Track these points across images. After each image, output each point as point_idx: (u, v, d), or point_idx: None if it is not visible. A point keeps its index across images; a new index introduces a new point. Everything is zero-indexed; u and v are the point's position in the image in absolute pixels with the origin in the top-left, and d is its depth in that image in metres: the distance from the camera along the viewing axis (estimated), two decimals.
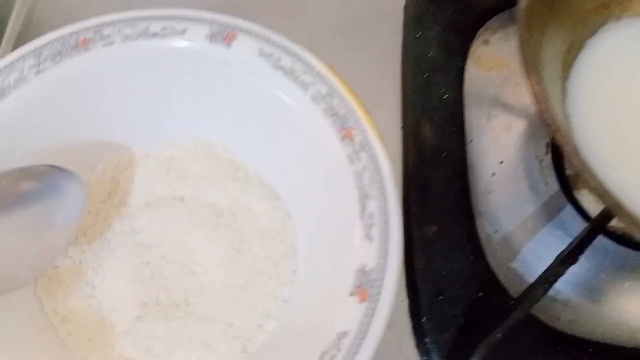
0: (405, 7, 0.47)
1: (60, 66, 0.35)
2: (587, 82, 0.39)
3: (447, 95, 0.43)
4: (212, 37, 0.36)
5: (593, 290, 0.40)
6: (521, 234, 0.42)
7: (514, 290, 0.39)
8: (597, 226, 0.35)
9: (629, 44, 0.40)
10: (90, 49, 0.36)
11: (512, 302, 0.36)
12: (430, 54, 0.44)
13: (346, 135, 0.34)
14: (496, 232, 0.41)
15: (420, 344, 0.37)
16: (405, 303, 0.38)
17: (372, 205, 0.33)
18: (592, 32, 0.40)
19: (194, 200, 0.38)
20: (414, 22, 0.46)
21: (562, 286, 0.40)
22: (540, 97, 0.30)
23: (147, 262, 0.36)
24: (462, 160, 0.41)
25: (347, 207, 0.33)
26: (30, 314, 0.34)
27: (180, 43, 0.36)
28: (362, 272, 0.31)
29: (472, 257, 0.38)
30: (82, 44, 0.36)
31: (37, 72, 0.35)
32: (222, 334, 0.35)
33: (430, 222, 0.39)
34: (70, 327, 0.35)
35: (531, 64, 0.31)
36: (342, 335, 0.30)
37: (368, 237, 0.32)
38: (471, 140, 0.43)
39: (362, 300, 0.31)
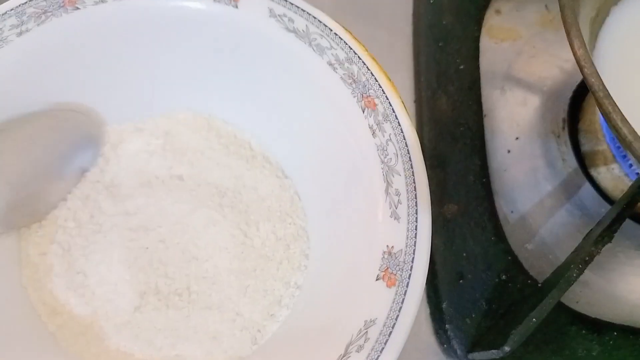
0: None
1: (46, 27, 0.31)
2: (612, 51, 0.36)
3: (463, 66, 0.40)
4: None
5: (612, 272, 0.39)
6: (538, 213, 0.39)
7: (534, 273, 0.37)
8: (632, 202, 0.33)
9: None
10: (80, 8, 0.32)
11: (540, 285, 0.34)
12: (445, 21, 0.41)
13: (368, 104, 0.31)
14: (513, 212, 0.39)
15: (441, 331, 0.35)
16: None
17: (399, 182, 0.30)
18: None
19: (194, 178, 0.35)
20: None
21: None
22: (586, 62, 0.28)
23: (144, 247, 0.33)
24: (481, 134, 0.39)
25: (369, 184, 0.30)
26: (15, 306, 0.31)
27: (181, 2, 0.32)
28: (389, 254, 0.29)
29: (493, 238, 0.36)
30: (70, 2, 0.32)
31: (20, 34, 0.31)
32: (229, 324, 0.32)
33: (450, 201, 0.37)
34: (61, 320, 0.31)
35: (573, 27, 0.28)
36: (370, 323, 0.27)
37: (394, 216, 0.29)
38: (485, 115, 0.41)
39: (390, 285, 0.28)
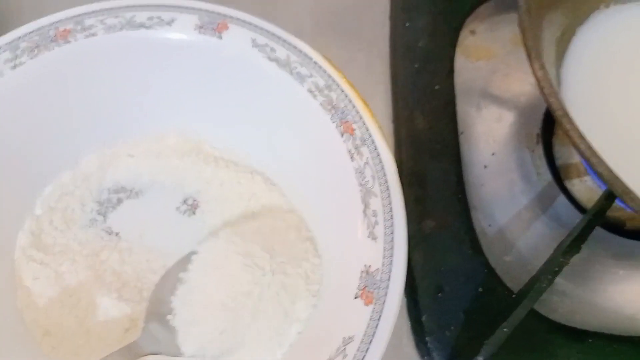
0: None
1: (39, 60, 0.33)
2: (579, 69, 0.38)
3: (438, 85, 0.42)
4: (202, 28, 0.34)
5: (589, 280, 0.40)
6: (515, 226, 0.41)
7: (512, 284, 0.38)
8: (599, 214, 0.35)
9: (619, 31, 0.40)
10: (71, 41, 0.33)
11: (515, 296, 0.36)
12: (420, 43, 0.43)
13: (346, 129, 0.33)
14: (490, 225, 0.41)
15: (421, 344, 0.36)
16: (403, 301, 0.37)
17: (375, 203, 0.31)
18: (583, 19, 0.40)
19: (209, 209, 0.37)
20: (401, 11, 0.44)
21: (558, 278, 0.39)
22: (545, 82, 0.29)
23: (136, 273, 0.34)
24: (457, 151, 0.40)
25: (348, 206, 0.32)
26: (10, 327, 0.32)
27: (168, 34, 0.34)
28: (367, 273, 0.30)
29: (470, 251, 0.38)
30: (61, 36, 0.33)
31: (14, 67, 0.32)
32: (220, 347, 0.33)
33: (428, 217, 0.38)
34: (55, 341, 0.32)
35: (533, 49, 0.30)
36: (348, 340, 0.29)
37: (372, 236, 0.31)
38: (462, 132, 0.43)
39: (368, 303, 0.29)
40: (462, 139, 0.42)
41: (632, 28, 0.40)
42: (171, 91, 0.36)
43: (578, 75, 0.38)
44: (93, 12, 0.34)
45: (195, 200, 0.37)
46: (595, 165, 0.28)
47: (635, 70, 0.39)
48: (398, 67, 0.43)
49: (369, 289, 0.30)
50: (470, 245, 0.38)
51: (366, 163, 0.32)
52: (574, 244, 0.33)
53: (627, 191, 0.28)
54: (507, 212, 0.41)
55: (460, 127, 0.43)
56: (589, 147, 0.29)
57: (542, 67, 0.30)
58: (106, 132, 0.37)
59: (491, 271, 0.38)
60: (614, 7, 0.40)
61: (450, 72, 0.42)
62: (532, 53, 0.30)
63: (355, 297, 0.30)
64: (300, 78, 0.34)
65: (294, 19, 0.45)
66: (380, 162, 0.32)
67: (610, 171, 0.28)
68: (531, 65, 0.30)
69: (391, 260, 0.30)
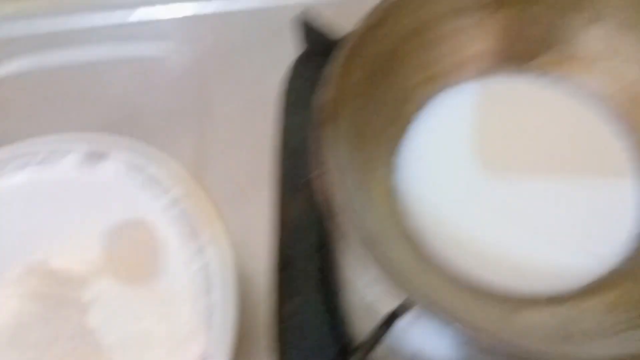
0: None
1: None
2: (415, 154, 0.42)
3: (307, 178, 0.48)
4: (81, 162, 0.42)
5: None
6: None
7: None
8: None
9: (455, 113, 0.43)
10: None
11: None
12: (291, 143, 0.49)
13: (200, 232, 0.40)
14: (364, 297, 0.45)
15: None
16: None
17: (215, 295, 0.38)
18: (419, 105, 0.43)
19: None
20: (283, 114, 0.51)
21: None
22: (322, 184, 0.34)
23: None
24: (321, 235, 0.46)
25: (194, 300, 0.39)
26: None
27: (46, 174, 0.43)
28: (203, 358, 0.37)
29: (327, 327, 0.43)
30: None
31: None
32: None
33: (294, 296, 0.44)
34: None
35: (316, 155, 0.35)
36: None
37: (209, 325, 0.37)
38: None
39: None
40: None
41: (466, 107, 0.43)
42: (50, 226, 0.44)
43: (413, 160, 0.41)
44: None
45: None
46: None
47: (467, 146, 0.42)
48: (276, 164, 0.49)
49: None
50: (330, 321, 0.43)
51: (211, 260, 0.39)
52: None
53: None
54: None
55: None
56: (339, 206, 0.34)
57: (324, 171, 0.35)
58: None
59: (349, 342, 0.42)
60: (449, 92, 0.43)
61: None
62: (315, 161, 0.35)
63: None
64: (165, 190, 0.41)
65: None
66: (223, 259, 0.39)
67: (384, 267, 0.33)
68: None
69: (220, 345, 0.36)
